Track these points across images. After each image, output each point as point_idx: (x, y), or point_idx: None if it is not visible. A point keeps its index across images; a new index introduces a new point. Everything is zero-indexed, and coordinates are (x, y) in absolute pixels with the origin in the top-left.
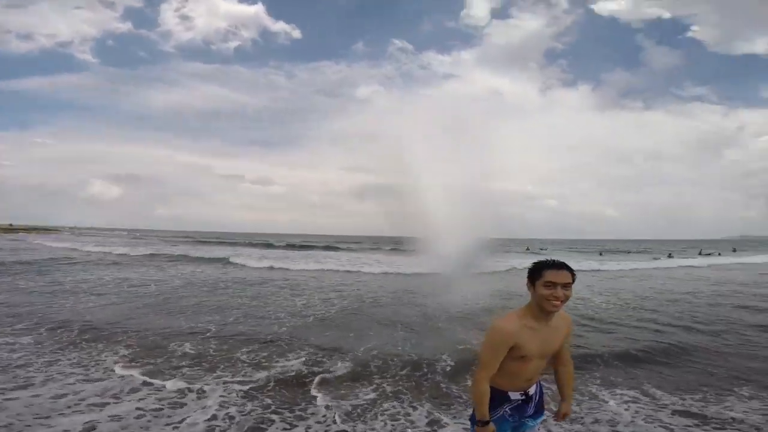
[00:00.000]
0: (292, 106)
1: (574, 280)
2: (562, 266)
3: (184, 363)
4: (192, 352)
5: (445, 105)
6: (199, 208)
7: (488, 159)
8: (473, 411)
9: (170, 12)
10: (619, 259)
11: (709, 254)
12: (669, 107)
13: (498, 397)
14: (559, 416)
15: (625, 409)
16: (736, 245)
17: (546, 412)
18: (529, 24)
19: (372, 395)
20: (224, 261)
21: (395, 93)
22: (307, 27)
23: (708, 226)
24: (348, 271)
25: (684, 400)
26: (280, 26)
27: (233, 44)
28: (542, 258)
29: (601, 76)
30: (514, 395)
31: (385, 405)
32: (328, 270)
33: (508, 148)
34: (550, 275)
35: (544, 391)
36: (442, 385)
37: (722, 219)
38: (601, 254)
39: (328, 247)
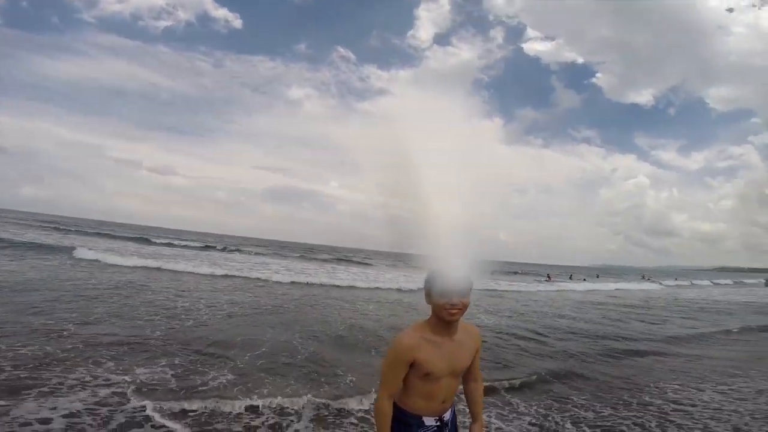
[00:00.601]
0: (212, 96)
1: (470, 288)
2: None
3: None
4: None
5: (380, 122)
6: (81, 192)
7: (408, 178)
8: None
9: None
10: (508, 279)
11: (580, 280)
12: (564, 147)
13: (413, 422)
14: None
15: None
16: (599, 272)
17: None
18: (464, 54)
19: (249, 403)
20: (68, 252)
21: (330, 101)
22: (251, 18)
23: (580, 255)
24: (247, 278)
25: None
26: (222, 13)
27: (164, 23)
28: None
29: (514, 111)
30: (429, 420)
31: (264, 419)
32: (223, 275)
33: (425, 170)
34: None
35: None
36: (340, 399)
37: (592, 249)
38: (491, 273)
39: (230, 249)
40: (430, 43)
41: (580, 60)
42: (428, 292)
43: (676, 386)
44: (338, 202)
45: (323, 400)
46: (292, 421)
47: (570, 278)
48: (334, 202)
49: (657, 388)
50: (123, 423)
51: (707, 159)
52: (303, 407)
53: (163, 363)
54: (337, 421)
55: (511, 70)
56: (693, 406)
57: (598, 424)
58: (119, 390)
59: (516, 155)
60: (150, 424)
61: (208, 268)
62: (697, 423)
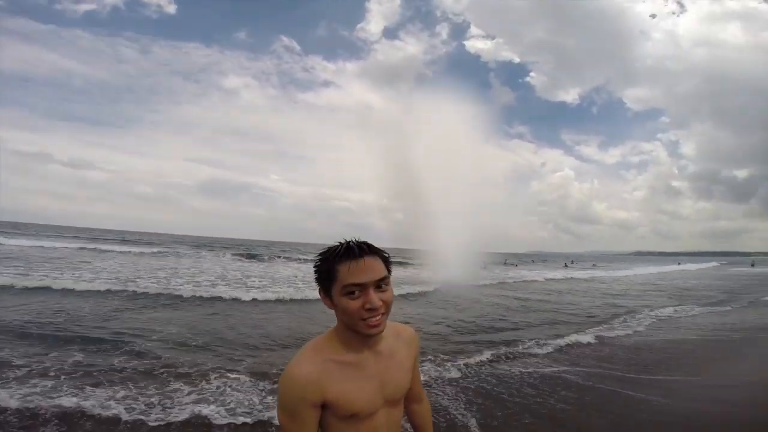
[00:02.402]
0: (135, 84)
1: (390, 271)
2: (364, 251)
3: None
4: None
5: (323, 114)
6: None
7: (341, 171)
8: None
9: None
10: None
11: (512, 264)
12: (499, 142)
13: None
14: None
15: None
16: (534, 258)
17: None
18: (410, 48)
19: None
20: None
21: (270, 91)
22: (187, 4)
23: (517, 242)
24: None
25: None
26: None
27: (85, 7)
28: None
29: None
30: None
31: None
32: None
33: (364, 162)
34: (349, 274)
35: None
36: None
37: (526, 237)
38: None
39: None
40: (379, 36)
41: (517, 59)
42: (326, 291)
43: None
44: (279, 196)
45: None
46: None
47: (504, 263)
48: (274, 196)
49: None
50: None
51: (622, 154)
52: None
53: None
54: None
55: (453, 65)
56: None
57: None
58: None
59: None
60: None
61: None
62: None
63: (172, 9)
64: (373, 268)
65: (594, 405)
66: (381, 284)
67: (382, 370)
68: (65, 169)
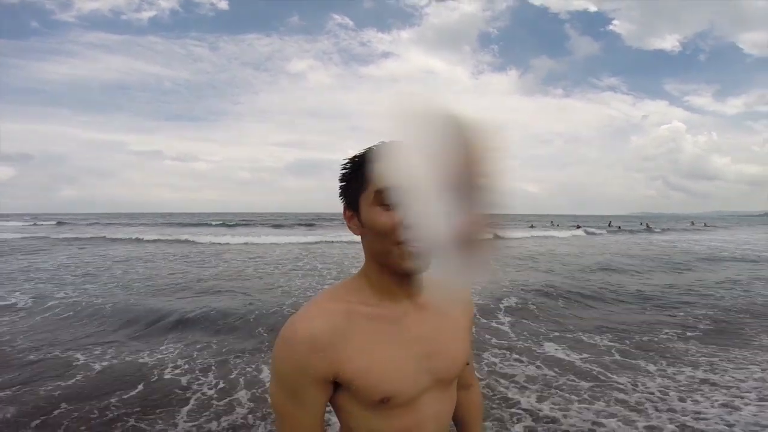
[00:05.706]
0: (215, 79)
1: None
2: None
3: None
4: None
5: (387, 85)
6: (114, 188)
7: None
8: None
9: None
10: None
11: (616, 228)
12: (586, 95)
13: None
14: None
15: None
16: (640, 220)
17: None
18: (466, 6)
19: None
20: None
21: (334, 69)
22: None
23: (616, 203)
24: None
25: None
26: None
27: (148, 14)
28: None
29: (529, 62)
30: None
31: None
32: None
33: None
34: (386, 174)
35: None
36: None
37: (628, 196)
38: (532, 227)
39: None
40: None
41: (593, 8)
42: (353, 203)
43: None
44: None
45: None
46: None
47: (609, 226)
48: None
49: None
50: None
51: (746, 103)
52: None
53: None
54: None
55: (519, 20)
56: None
57: None
58: None
59: (536, 105)
60: None
61: None
62: None
63: (224, 5)
64: None
65: None
66: None
67: (429, 331)
68: (175, 163)
